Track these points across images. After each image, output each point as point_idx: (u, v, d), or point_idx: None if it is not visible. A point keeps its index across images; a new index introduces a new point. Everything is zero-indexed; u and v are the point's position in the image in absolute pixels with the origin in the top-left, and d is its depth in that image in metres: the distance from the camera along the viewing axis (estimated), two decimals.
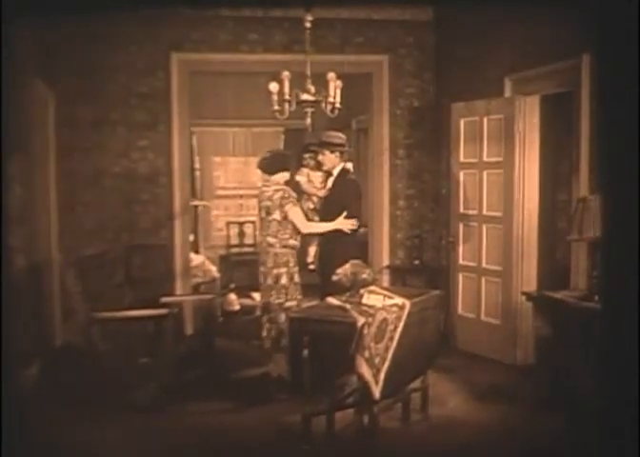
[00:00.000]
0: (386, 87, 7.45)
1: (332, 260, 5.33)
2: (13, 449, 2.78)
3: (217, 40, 7.11)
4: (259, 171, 5.81)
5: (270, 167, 5.65)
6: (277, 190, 5.55)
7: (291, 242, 5.53)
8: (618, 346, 2.51)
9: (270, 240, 5.51)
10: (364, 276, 4.74)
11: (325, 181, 6.01)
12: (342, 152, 5.81)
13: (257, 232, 5.74)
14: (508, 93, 6.24)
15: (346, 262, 4.83)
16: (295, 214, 5.52)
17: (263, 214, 5.58)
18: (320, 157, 5.88)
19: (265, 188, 5.64)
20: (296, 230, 5.53)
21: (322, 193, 5.97)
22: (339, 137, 5.84)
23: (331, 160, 5.81)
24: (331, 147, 5.78)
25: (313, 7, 5.70)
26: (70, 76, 6.74)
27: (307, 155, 6.24)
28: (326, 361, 4.34)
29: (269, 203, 5.54)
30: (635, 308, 2.45)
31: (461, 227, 6.67)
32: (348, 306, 4.54)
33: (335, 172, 5.85)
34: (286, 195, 5.53)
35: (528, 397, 5.13)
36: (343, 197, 5.73)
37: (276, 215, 5.49)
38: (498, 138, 6.17)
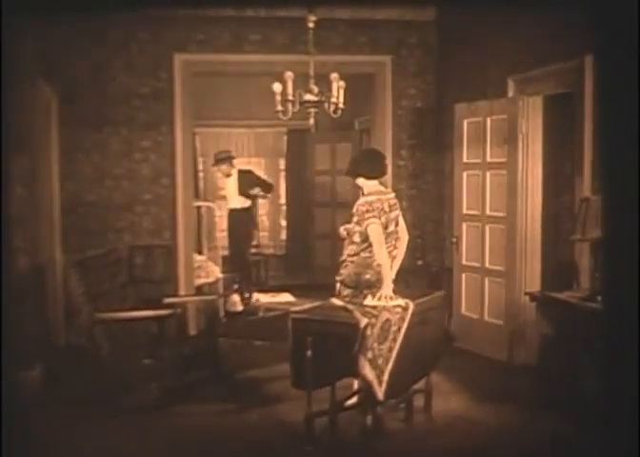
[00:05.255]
0: (389, 87, 7.44)
1: None
2: (14, 449, 2.78)
3: (220, 41, 7.11)
4: (369, 177, 4.91)
5: (381, 168, 4.96)
6: (395, 197, 5.01)
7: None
8: (620, 345, 2.51)
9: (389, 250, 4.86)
10: (367, 277, 4.73)
11: None
12: None
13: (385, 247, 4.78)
14: (511, 94, 6.23)
15: None
16: (402, 221, 5.02)
17: (392, 227, 4.84)
18: None
19: (388, 196, 4.91)
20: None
21: None
22: None
23: None
24: None
25: (316, 7, 5.70)
26: (72, 77, 6.75)
27: None
28: (329, 362, 4.34)
29: (398, 212, 4.93)
30: (637, 308, 2.44)
31: (464, 227, 6.66)
32: (351, 306, 4.53)
33: None
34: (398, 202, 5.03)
35: (531, 397, 5.12)
36: None
37: (399, 224, 4.96)
38: (501, 139, 6.16)
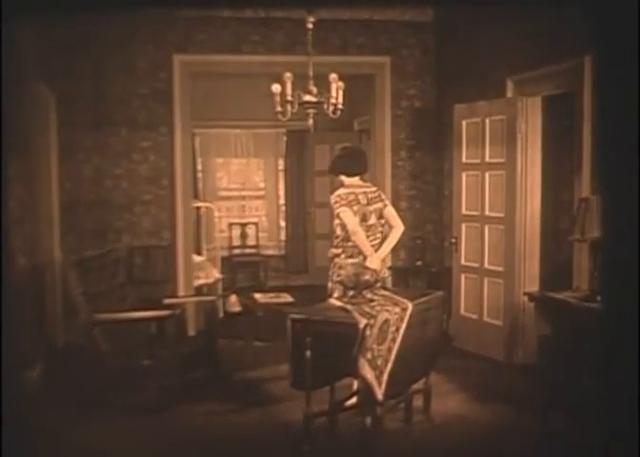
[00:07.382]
0: (388, 88, 7.45)
1: None
2: (14, 449, 2.78)
3: (219, 41, 7.11)
4: (341, 172, 5.16)
5: (361, 166, 5.16)
6: (377, 190, 5.20)
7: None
8: (619, 346, 2.51)
9: (375, 243, 5.06)
10: (366, 277, 4.73)
11: None
12: None
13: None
14: (509, 94, 6.24)
15: None
16: (392, 212, 5.18)
17: (373, 220, 5.02)
18: None
19: (366, 190, 5.09)
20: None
21: None
22: None
23: None
24: None
25: (315, 8, 5.70)
26: (71, 77, 6.75)
27: None
28: (328, 362, 4.34)
29: (381, 205, 5.09)
30: (636, 309, 2.44)
31: (463, 227, 6.67)
32: (349, 307, 4.53)
33: None
34: (383, 196, 5.23)
35: (530, 397, 5.12)
36: None
37: (382, 218, 5.11)
38: (500, 139, 6.17)
